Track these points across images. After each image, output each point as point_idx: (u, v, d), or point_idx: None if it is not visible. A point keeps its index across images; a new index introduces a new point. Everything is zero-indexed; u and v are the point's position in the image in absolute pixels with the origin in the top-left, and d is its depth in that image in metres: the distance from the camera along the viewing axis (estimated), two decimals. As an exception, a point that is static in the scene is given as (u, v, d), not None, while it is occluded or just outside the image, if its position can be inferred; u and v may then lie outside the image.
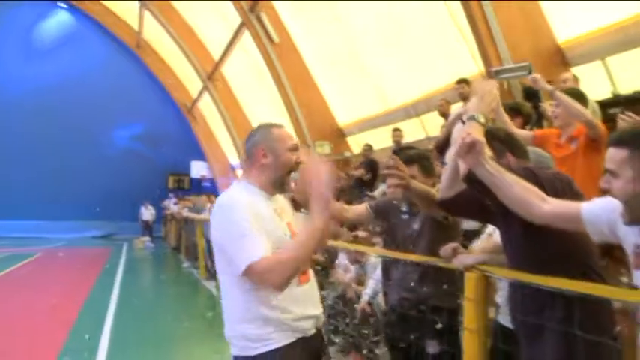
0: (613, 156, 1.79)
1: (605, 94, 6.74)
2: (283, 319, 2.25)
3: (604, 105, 5.98)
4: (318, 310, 2.42)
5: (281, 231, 2.31)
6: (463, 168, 2.31)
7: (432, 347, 3.23)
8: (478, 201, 2.42)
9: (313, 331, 2.36)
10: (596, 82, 6.85)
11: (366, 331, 5.48)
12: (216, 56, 19.52)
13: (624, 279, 2.58)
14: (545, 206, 2.03)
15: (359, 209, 3.77)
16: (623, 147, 1.77)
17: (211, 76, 20.29)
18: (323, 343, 2.49)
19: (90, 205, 23.64)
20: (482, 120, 2.20)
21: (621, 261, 2.39)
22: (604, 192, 1.86)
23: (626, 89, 6.60)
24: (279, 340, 2.24)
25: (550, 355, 2.15)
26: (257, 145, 2.37)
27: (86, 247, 19.47)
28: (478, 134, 2.12)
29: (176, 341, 6.73)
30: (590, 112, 4.58)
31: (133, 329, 7.25)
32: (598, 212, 1.92)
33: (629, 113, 3.95)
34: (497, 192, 2.12)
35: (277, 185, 2.37)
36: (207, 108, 23.82)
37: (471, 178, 2.20)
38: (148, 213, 22.85)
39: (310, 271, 2.44)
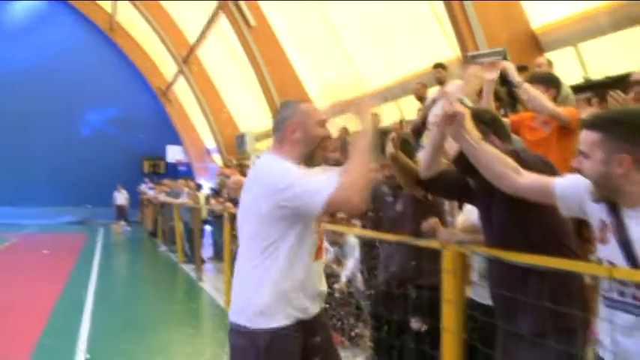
0: (585, 138, 1.88)
1: (577, 78, 6.89)
2: (294, 298, 2.30)
3: (575, 89, 6.13)
4: (324, 286, 2.48)
5: None
6: (454, 149, 2.38)
7: (416, 324, 3.33)
8: (459, 181, 2.50)
9: (317, 310, 2.42)
10: (568, 67, 7.00)
11: (344, 312, 5.59)
12: (192, 40, 19.35)
13: (593, 257, 2.70)
14: (521, 179, 2.12)
15: None
16: (595, 130, 1.86)
17: (187, 59, 20.12)
18: (322, 319, 2.53)
19: (63, 191, 23.35)
20: (469, 103, 2.27)
21: (590, 240, 2.51)
22: (576, 172, 1.96)
23: (596, 74, 6.77)
24: (282, 320, 2.28)
25: (527, 329, 2.26)
26: (286, 120, 2.41)
27: (61, 233, 19.26)
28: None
29: (156, 326, 6.75)
30: (564, 96, 4.73)
31: (112, 315, 7.24)
32: (569, 188, 2.01)
33: (619, 92, 4.06)
34: (477, 163, 2.19)
35: (307, 159, 2.39)
36: (182, 92, 23.64)
37: (461, 160, 2.26)
38: (121, 197, 22.68)
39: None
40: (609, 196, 1.88)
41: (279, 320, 2.27)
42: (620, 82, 4.16)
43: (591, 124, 1.90)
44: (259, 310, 2.27)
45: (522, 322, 2.28)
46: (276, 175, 2.24)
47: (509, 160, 2.16)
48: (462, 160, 2.27)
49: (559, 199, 2.06)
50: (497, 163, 2.15)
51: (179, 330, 6.66)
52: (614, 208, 1.89)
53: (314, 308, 2.39)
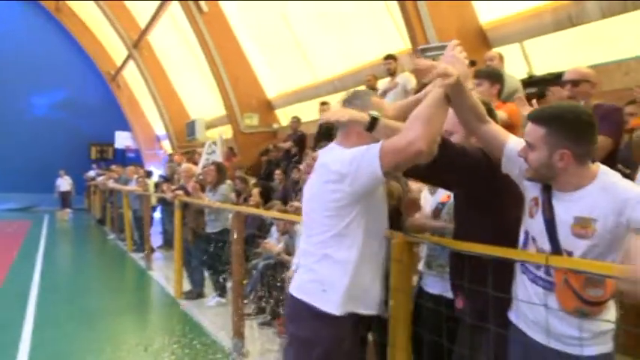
0: (532, 131, 2.02)
1: (522, 74, 7.11)
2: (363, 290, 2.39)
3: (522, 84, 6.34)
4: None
5: None
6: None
7: None
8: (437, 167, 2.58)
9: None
10: (514, 63, 7.21)
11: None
12: (143, 24, 18.95)
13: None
14: (485, 126, 2.25)
15: None
16: (541, 124, 1.99)
17: (137, 44, 19.70)
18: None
19: (5, 177, 22.62)
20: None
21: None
22: (522, 159, 2.09)
23: (540, 71, 6.99)
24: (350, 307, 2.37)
25: (469, 314, 2.38)
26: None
27: (2, 221, 18.63)
28: None
29: (104, 316, 6.65)
30: (510, 92, 4.91)
31: (57, 306, 7.11)
32: (517, 154, 2.14)
33: (556, 87, 4.23)
34: (457, 108, 2.27)
35: None
36: (132, 77, 23.17)
37: (446, 145, 2.30)
38: (65, 183, 22.10)
39: None
40: (545, 180, 2.04)
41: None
42: (560, 79, 4.34)
43: (538, 119, 2.02)
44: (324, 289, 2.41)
45: (464, 308, 2.41)
46: (343, 155, 2.33)
47: (482, 110, 2.26)
48: (445, 148, 2.33)
49: (504, 157, 2.20)
50: (474, 107, 2.24)
51: (128, 319, 6.61)
52: (546, 188, 2.06)
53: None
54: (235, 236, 5.17)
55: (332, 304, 2.32)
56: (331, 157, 2.38)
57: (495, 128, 2.26)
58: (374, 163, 2.19)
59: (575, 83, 3.55)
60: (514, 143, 2.19)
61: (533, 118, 2.04)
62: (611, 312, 1.99)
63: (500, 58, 5.99)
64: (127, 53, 21.17)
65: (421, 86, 2.68)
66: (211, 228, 7.05)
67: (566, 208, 1.97)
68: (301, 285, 2.44)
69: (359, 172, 2.24)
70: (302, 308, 2.36)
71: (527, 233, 2.13)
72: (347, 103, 2.50)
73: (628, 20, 6.11)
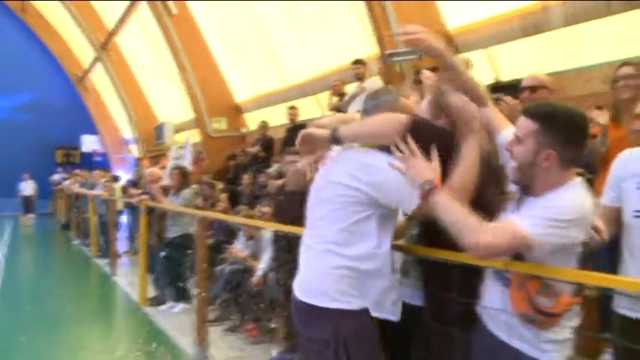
0: (524, 125, 1.98)
1: (488, 80, 7.18)
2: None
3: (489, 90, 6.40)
4: None
5: None
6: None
7: None
8: None
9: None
10: (480, 68, 7.28)
11: (260, 305, 5.62)
12: (111, 25, 18.67)
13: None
14: (483, 109, 2.28)
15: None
16: (534, 120, 1.96)
17: (105, 46, 19.41)
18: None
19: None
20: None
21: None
22: (509, 152, 2.06)
23: (506, 76, 7.06)
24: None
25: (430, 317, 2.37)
26: (381, 107, 2.41)
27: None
28: None
29: (67, 323, 6.51)
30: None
31: (20, 312, 6.94)
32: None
33: (509, 97, 4.27)
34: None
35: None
36: (100, 79, 22.81)
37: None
38: (29, 187, 21.64)
39: None
40: (525, 180, 2.01)
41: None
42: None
43: (532, 114, 1.99)
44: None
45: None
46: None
47: (480, 92, 2.29)
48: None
49: (498, 145, 2.25)
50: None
51: (89, 326, 6.48)
52: (524, 190, 2.04)
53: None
54: (199, 242, 5.10)
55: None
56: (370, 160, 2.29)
57: (492, 114, 2.27)
58: (410, 203, 2.16)
59: (532, 89, 3.59)
60: (507, 134, 2.19)
61: (528, 112, 2.00)
62: (563, 332, 1.97)
63: (468, 63, 6.03)
64: (94, 55, 20.84)
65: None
66: (171, 233, 6.96)
67: (529, 209, 1.96)
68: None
69: (391, 198, 2.22)
70: (317, 309, 2.27)
71: None
72: (371, 100, 2.48)
73: (590, 28, 6.22)
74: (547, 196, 1.93)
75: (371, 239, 2.23)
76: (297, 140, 2.53)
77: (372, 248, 2.23)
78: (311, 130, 2.51)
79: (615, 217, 2.33)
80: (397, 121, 2.23)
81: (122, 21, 17.26)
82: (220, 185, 10.10)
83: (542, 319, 1.92)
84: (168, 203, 7.05)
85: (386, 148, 2.23)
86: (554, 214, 1.85)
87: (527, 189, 2.01)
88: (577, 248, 1.95)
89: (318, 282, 2.27)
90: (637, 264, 2.22)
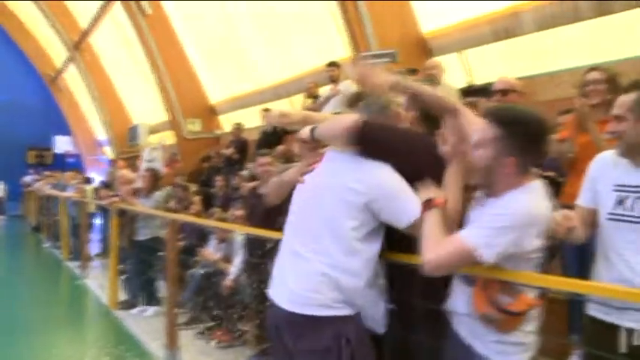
0: (485, 130, 1.96)
1: (462, 83, 7.23)
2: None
3: (462, 93, 6.45)
4: None
5: None
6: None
7: None
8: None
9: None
10: (454, 72, 7.33)
11: (232, 309, 5.57)
12: (84, 25, 18.43)
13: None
14: (454, 120, 2.22)
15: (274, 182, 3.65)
16: (496, 126, 1.93)
17: (78, 46, 19.14)
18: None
19: None
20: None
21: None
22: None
23: (479, 80, 7.13)
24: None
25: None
26: (372, 114, 2.37)
27: None
28: None
29: (35, 328, 6.37)
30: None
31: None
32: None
33: (483, 100, 4.33)
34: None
35: None
36: (73, 80, 22.50)
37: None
38: (-1, 189, 21.30)
39: None
40: (485, 183, 2.02)
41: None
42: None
43: (494, 119, 1.96)
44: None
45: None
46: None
47: (445, 103, 2.28)
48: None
49: None
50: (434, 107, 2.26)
51: (60, 331, 6.34)
52: (485, 191, 2.04)
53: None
54: (170, 244, 5.04)
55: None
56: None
57: (464, 121, 2.21)
58: (403, 219, 2.13)
59: (503, 93, 3.62)
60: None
61: (490, 117, 1.98)
62: (525, 336, 1.97)
63: (441, 67, 6.08)
64: (67, 55, 20.55)
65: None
66: (141, 235, 6.88)
67: (483, 214, 1.96)
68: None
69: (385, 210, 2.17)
70: (315, 319, 2.17)
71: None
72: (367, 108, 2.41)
73: (560, 34, 6.31)
74: (502, 199, 1.92)
75: (364, 248, 2.19)
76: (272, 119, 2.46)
77: (365, 257, 2.19)
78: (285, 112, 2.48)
79: (591, 219, 2.32)
80: (341, 126, 2.22)
81: (96, 21, 17.05)
82: (194, 187, 10.01)
83: (502, 318, 1.91)
84: (139, 205, 6.96)
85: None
86: (502, 221, 1.85)
87: (488, 190, 2.01)
88: (532, 255, 1.94)
89: (311, 292, 2.16)
90: (609, 266, 2.22)
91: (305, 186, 2.40)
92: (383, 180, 2.16)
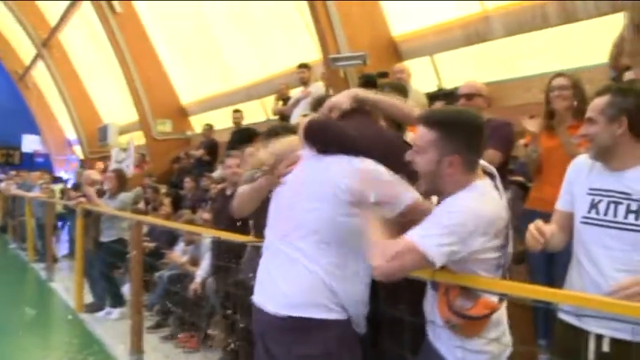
0: (423, 134, 1.96)
1: (432, 87, 7.27)
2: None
3: (430, 98, 6.48)
4: None
5: None
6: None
7: None
8: None
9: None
10: (425, 76, 7.37)
11: (199, 312, 5.50)
12: (53, 22, 18.09)
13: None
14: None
15: (244, 192, 3.49)
16: (433, 129, 1.93)
17: (47, 42, 18.79)
18: None
19: None
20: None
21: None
22: (409, 164, 2.02)
23: (450, 84, 7.16)
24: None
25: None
26: None
27: None
28: None
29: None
30: (415, 102, 4.94)
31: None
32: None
33: (441, 104, 4.34)
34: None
35: None
36: (42, 77, 22.08)
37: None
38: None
39: None
40: (433, 188, 2.01)
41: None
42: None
43: (430, 122, 1.96)
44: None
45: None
46: None
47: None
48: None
49: None
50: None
51: (24, 335, 6.18)
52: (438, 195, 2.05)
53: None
54: (134, 246, 4.96)
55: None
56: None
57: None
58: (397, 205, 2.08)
59: (468, 97, 3.62)
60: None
61: (425, 120, 1.98)
62: (489, 344, 1.95)
63: (408, 72, 6.10)
64: (35, 52, 20.17)
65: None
66: (106, 237, 6.77)
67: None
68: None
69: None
70: (309, 322, 2.07)
71: None
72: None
73: (529, 39, 6.38)
74: (445, 201, 1.93)
75: (353, 247, 2.10)
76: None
77: (354, 256, 2.11)
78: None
79: (569, 223, 2.29)
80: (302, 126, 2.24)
81: (64, 18, 16.76)
82: (164, 189, 9.92)
83: (462, 323, 1.89)
84: (104, 206, 6.83)
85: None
86: (446, 220, 1.83)
87: (439, 195, 2.02)
88: (486, 255, 1.91)
89: (306, 293, 2.08)
90: (581, 271, 2.21)
91: (287, 186, 2.31)
92: (369, 168, 2.11)
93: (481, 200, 1.90)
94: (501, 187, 2.05)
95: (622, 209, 2.10)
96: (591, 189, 2.22)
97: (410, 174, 2.09)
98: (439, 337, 2.01)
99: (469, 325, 1.90)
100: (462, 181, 1.94)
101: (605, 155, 2.17)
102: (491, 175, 2.05)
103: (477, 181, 1.97)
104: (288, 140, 2.51)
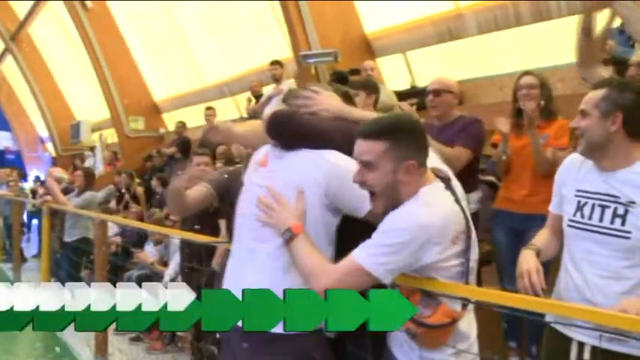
0: (371, 148, 1.80)
1: (405, 85, 7.25)
2: None
3: (403, 95, 6.43)
4: None
5: None
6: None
7: None
8: None
9: None
10: (398, 73, 7.34)
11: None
12: (22, 15, 17.71)
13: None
14: None
15: (199, 192, 3.18)
16: (381, 140, 1.79)
17: (15, 36, 18.40)
18: None
19: None
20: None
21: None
22: (358, 184, 1.87)
23: (423, 82, 7.14)
24: None
25: None
26: None
27: None
28: None
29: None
30: (385, 101, 4.92)
31: None
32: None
33: (406, 103, 4.32)
34: None
35: None
36: (11, 72, 21.63)
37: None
38: None
39: None
40: (391, 204, 1.84)
41: None
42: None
43: (376, 134, 1.82)
44: None
45: None
46: None
47: None
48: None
49: None
50: None
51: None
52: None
53: None
54: (99, 246, 4.85)
55: None
56: None
57: None
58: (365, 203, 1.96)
59: (436, 93, 3.55)
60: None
61: (369, 134, 1.81)
62: (458, 357, 1.86)
63: (378, 70, 6.07)
64: (3, 46, 19.75)
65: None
66: (70, 236, 6.62)
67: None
68: None
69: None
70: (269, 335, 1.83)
71: None
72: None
73: (502, 37, 6.38)
74: (391, 214, 1.80)
75: (327, 249, 2.01)
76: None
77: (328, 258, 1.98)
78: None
79: (560, 226, 2.20)
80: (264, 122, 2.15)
81: (32, 12, 16.43)
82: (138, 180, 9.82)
83: (421, 332, 1.79)
84: (67, 203, 6.65)
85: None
86: (391, 238, 1.73)
87: (397, 207, 1.85)
88: (446, 264, 1.80)
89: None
90: (566, 276, 2.13)
91: (256, 185, 2.17)
92: (336, 162, 2.00)
93: (427, 209, 1.79)
94: (458, 190, 1.93)
95: (608, 213, 2.02)
96: (578, 190, 2.12)
97: None
98: (401, 347, 1.92)
99: (430, 334, 1.81)
100: (414, 189, 1.82)
101: (596, 152, 2.07)
102: (443, 179, 1.93)
103: (423, 187, 1.84)
104: (251, 125, 2.40)
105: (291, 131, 2.10)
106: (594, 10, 2.74)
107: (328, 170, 1.99)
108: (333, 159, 2.01)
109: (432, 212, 1.78)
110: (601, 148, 2.05)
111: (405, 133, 1.82)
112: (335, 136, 2.07)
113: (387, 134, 1.80)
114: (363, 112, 2.21)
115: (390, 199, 1.83)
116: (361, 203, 1.95)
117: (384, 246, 1.73)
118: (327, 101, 2.16)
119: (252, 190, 2.19)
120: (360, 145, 1.83)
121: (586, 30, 2.75)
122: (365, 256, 1.73)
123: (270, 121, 2.12)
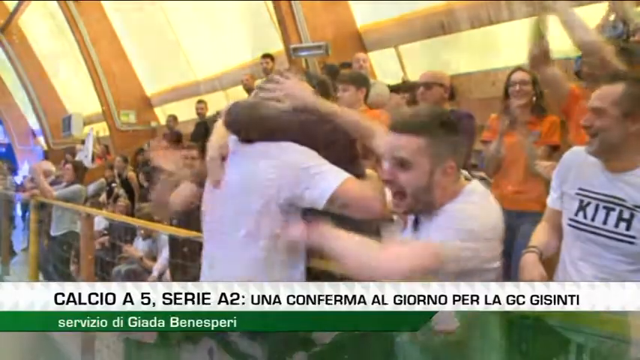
0: (407, 144, 1.62)
1: (397, 79, 7.20)
2: None
3: (395, 90, 6.38)
4: None
5: None
6: None
7: None
8: None
9: None
10: (390, 67, 7.30)
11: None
12: (11, 6, 17.59)
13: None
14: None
15: (184, 197, 3.24)
16: (421, 135, 1.62)
17: (5, 28, 18.26)
18: None
19: None
20: None
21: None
22: (387, 184, 1.72)
23: (414, 76, 7.10)
24: None
25: None
26: None
27: None
28: None
29: None
30: (377, 93, 4.89)
31: None
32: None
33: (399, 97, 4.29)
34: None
35: None
36: (2, 65, 21.48)
37: None
38: None
39: None
40: (420, 207, 1.70)
41: None
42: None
43: (413, 128, 1.64)
44: None
45: None
46: None
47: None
48: None
49: None
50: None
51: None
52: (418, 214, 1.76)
53: None
54: (84, 241, 4.81)
55: None
56: None
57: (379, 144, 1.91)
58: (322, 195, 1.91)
59: (427, 86, 3.52)
60: None
61: (407, 126, 1.64)
62: None
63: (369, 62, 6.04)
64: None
65: None
66: (56, 230, 6.56)
67: (426, 227, 1.69)
68: None
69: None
70: None
71: None
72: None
73: (495, 32, 6.35)
74: (445, 214, 1.62)
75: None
76: None
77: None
78: None
79: (560, 221, 2.10)
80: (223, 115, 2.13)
81: (22, 3, 16.30)
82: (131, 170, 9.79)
83: None
84: (52, 192, 6.58)
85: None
86: (462, 226, 1.57)
87: (422, 212, 1.71)
88: (492, 265, 1.64)
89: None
90: (565, 277, 2.07)
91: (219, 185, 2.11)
92: (290, 156, 1.91)
93: (485, 204, 1.67)
94: None
95: (613, 216, 1.92)
96: (581, 189, 2.01)
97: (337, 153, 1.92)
98: None
99: None
100: (452, 190, 1.66)
101: (609, 153, 1.92)
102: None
103: (467, 185, 1.71)
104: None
105: (248, 125, 2.01)
106: (546, 12, 2.77)
107: (283, 165, 1.90)
108: (289, 151, 1.92)
109: (489, 208, 1.68)
110: (616, 150, 1.91)
111: (445, 129, 1.65)
112: (293, 130, 1.98)
113: (427, 129, 1.63)
114: (333, 106, 2.05)
115: (419, 203, 1.67)
116: (320, 196, 1.84)
117: (461, 233, 1.56)
118: (295, 87, 2.02)
119: (212, 190, 2.14)
120: (395, 140, 1.66)
121: (540, 33, 2.77)
122: (441, 240, 1.57)
123: (226, 114, 2.06)
